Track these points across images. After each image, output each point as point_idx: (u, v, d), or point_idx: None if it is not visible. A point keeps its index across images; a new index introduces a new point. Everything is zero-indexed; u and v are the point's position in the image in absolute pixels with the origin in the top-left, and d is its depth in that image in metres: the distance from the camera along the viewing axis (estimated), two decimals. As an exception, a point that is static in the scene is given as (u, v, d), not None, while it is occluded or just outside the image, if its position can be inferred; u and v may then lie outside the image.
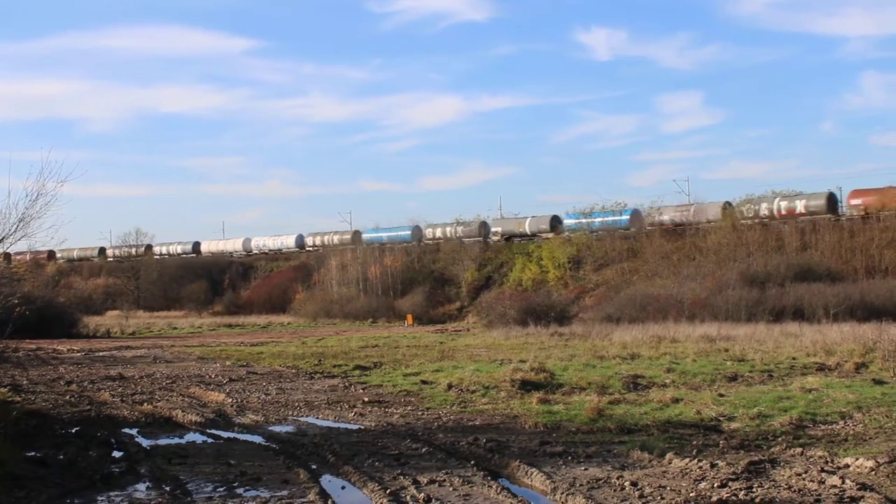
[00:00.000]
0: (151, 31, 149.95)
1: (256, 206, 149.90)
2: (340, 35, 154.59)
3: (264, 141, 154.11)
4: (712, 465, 11.12)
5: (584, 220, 63.29)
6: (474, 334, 42.40)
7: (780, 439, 13.05)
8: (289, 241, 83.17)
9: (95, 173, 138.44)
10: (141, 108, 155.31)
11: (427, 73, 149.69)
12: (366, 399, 19.00)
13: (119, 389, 22.41)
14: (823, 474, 10.43)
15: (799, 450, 12.09)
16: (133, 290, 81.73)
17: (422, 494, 10.17)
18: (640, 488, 10.17)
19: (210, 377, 24.73)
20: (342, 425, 15.94)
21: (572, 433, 14.18)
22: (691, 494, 9.81)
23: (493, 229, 70.38)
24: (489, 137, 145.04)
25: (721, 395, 17.58)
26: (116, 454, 13.48)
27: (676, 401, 16.89)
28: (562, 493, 10.08)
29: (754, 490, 9.85)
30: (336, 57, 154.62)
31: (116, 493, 10.86)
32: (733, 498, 9.58)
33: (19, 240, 16.39)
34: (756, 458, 11.48)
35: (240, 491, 10.84)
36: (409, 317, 57.50)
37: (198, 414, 17.34)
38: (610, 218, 61.74)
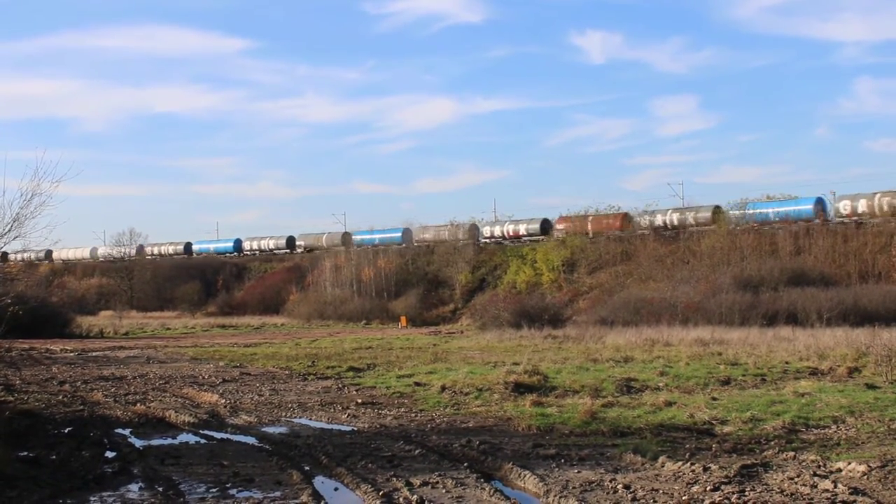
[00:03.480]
0: (145, 30, 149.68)
1: (250, 207, 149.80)
2: (335, 36, 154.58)
3: (258, 142, 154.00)
4: (705, 469, 11.14)
5: (368, 237, 74.18)
6: (468, 336, 42.38)
7: (772, 443, 13.07)
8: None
9: (89, 173, 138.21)
10: (134, 108, 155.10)
11: (421, 74, 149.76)
12: (359, 401, 18.99)
13: (112, 390, 22.38)
14: (816, 478, 10.46)
15: (791, 454, 12.11)
16: (126, 291, 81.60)
17: (415, 496, 10.17)
18: (633, 491, 10.19)
19: (203, 378, 24.71)
20: (335, 427, 15.94)
21: (565, 436, 14.19)
22: (684, 498, 9.83)
23: (298, 242, 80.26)
24: (483, 140, 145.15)
25: (714, 399, 17.60)
26: (109, 454, 13.48)
27: (669, 404, 16.90)
28: (554, 496, 10.09)
29: (746, 494, 9.88)
30: (330, 58, 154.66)
31: (109, 493, 10.85)
32: (726, 501, 9.61)
33: (13, 239, 16.38)
34: (748, 462, 11.51)
35: (233, 492, 10.84)
36: (403, 319, 57.47)
37: (191, 415, 17.32)
38: (388, 235, 72.61)
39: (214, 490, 10.92)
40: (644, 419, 15.44)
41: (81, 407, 19.07)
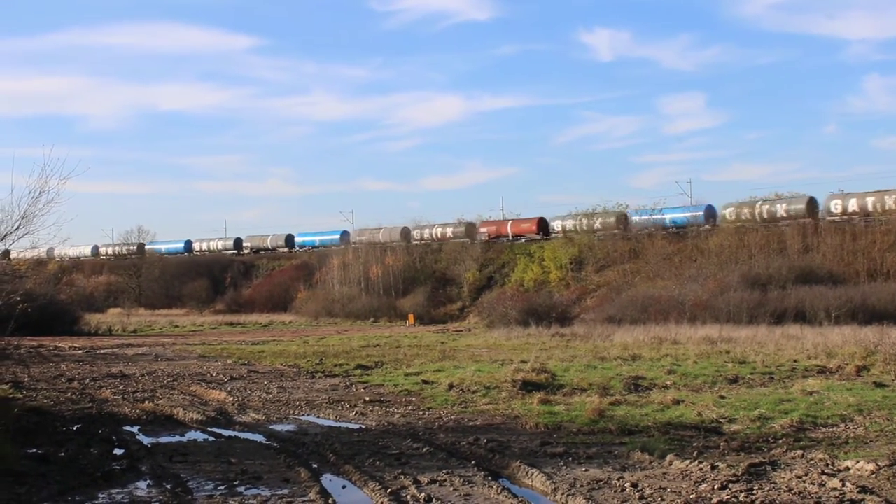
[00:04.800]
0: (152, 28, 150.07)
1: (257, 205, 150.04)
2: (342, 33, 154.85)
3: (265, 139, 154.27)
4: (713, 467, 11.12)
5: (310, 238, 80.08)
6: (475, 334, 42.39)
7: (780, 442, 13.04)
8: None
9: (96, 171, 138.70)
10: (142, 105, 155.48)
11: (428, 72, 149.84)
12: (367, 398, 19.01)
13: (120, 387, 22.45)
14: (824, 477, 10.44)
15: (799, 452, 12.09)
16: (135, 288, 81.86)
17: (422, 494, 10.18)
18: (641, 490, 10.18)
19: (211, 375, 24.76)
20: (343, 424, 15.95)
21: (573, 434, 14.19)
22: (692, 496, 9.82)
23: (244, 243, 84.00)
24: (490, 137, 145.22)
25: (722, 397, 17.57)
26: (117, 452, 13.51)
27: (677, 402, 16.88)
28: (562, 494, 10.08)
29: (754, 492, 9.86)
30: (338, 55, 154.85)
31: (117, 490, 10.88)
32: (733, 500, 9.60)
33: (21, 237, 16.39)
34: (756, 461, 11.49)
35: (240, 489, 10.86)
36: (411, 316, 57.45)
37: (199, 412, 17.36)
38: (328, 237, 78.09)
39: (222, 487, 10.94)
40: (652, 417, 15.42)
41: (90, 404, 19.13)
